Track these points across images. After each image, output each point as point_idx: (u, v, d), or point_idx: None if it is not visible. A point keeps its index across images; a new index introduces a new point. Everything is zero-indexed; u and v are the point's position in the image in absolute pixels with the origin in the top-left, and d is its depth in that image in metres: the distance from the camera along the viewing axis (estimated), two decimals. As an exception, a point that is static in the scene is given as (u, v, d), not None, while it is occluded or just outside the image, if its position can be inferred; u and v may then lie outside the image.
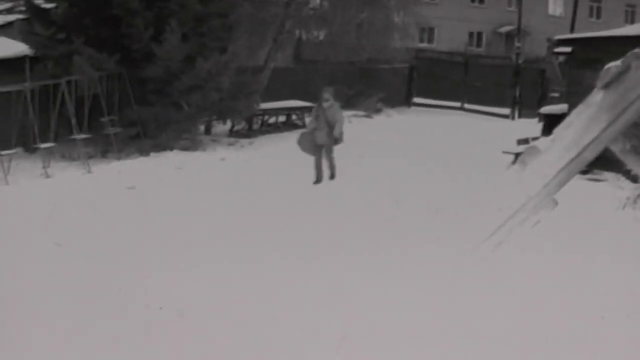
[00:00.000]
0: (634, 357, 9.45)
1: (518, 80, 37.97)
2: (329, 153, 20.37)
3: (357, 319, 10.41)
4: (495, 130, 31.02)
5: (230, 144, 26.92)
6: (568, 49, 24.09)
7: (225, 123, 28.89)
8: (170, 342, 9.73)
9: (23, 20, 26.56)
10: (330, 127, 20.07)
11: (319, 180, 20.26)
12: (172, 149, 24.27)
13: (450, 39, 49.99)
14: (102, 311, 10.60)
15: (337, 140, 20.31)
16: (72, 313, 10.60)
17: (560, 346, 9.67)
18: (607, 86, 7.97)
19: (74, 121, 22.78)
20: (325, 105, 20.34)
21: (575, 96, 17.74)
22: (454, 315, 10.58)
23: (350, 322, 10.25)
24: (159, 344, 9.70)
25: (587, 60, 20.61)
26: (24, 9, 27.35)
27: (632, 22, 58.17)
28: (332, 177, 20.52)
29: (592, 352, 9.50)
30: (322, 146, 20.20)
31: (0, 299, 11.17)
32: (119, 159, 23.34)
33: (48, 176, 20.62)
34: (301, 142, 20.59)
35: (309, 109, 31.30)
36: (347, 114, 33.84)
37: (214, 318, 10.41)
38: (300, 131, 23.81)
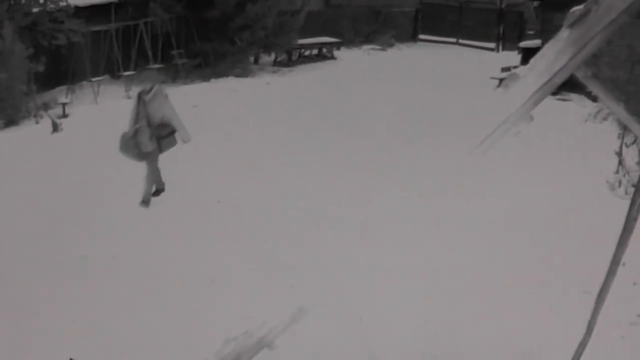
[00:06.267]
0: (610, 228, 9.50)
1: (501, 21, 37.41)
2: (152, 163, 11.75)
3: (376, 205, 10.49)
4: (484, 60, 30.64)
5: (274, 72, 26.71)
6: (542, -5, 23.60)
7: (269, 55, 28.62)
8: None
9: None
10: (155, 126, 11.53)
11: (158, 190, 11.92)
12: (227, 76, 24.22)
13: (448, -13, 49.05)
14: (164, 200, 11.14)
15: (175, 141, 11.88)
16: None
17: (546, 223, 10.17)
18: (571, 25, 7.72)
19: (149, 54, 23.39)
20: (147, 97, 11.56)
21: (547, 33, 17.45)
22: (460, 202, 10.61)
23: (371, 208, 10.34)
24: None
25: (556, 4, 20.03)
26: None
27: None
28: (149, 198, 11.72)
29: (574, 225, 10.04)
30: (148, 154, 11.62)
31: (89, 191, 11.33)
32: (185, 83, 23.27)
33: (129, 97, 20.57)
34: (123, 147, 11.57)
35: (336, 44, 31.06)
36: (366, 47, 33.59)
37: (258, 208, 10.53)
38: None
